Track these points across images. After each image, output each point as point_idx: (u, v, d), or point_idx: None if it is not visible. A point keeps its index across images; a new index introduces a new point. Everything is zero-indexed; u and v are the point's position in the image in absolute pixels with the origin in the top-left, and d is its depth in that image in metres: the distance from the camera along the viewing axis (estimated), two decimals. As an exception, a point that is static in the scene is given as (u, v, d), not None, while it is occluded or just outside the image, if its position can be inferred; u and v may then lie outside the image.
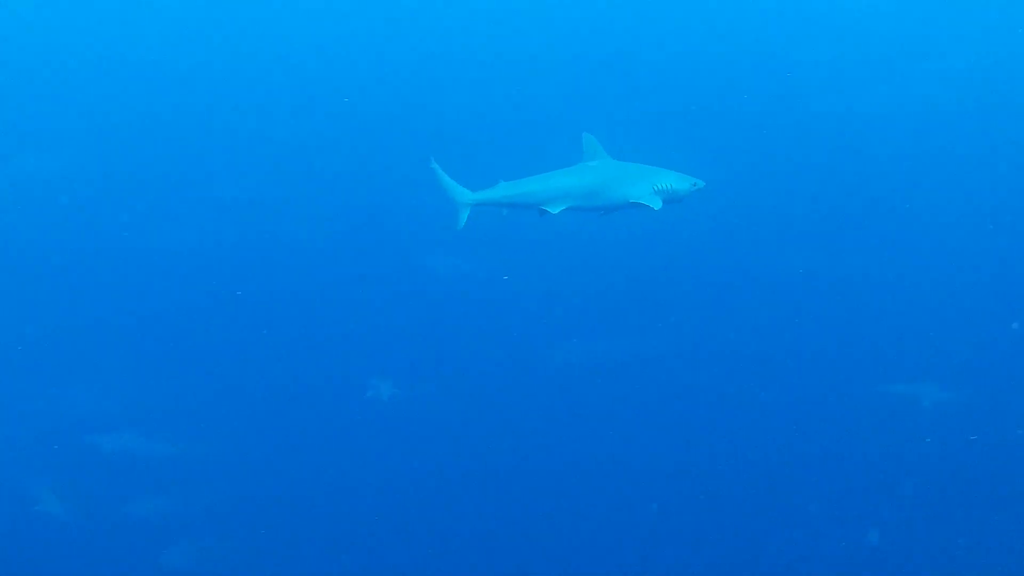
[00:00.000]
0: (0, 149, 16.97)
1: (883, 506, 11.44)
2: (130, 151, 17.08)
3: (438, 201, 10.50)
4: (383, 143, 15.87)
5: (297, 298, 14.81)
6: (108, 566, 11.82)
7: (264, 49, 19.08)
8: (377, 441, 12.99)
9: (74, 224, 15.97)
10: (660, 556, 11.61)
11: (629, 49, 17.56)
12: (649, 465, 12.42)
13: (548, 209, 9.83)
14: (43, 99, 18.28)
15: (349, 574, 12.01)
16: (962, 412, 11.69)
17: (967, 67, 16.66)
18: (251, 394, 13.67)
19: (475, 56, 18.17)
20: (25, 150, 16.89)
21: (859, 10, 17.98)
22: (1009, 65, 16.58)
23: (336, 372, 13.78)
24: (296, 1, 20.49)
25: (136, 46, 19.55)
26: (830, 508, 11.65)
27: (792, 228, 14.26)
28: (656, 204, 9.73)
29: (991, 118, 15.80)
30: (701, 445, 12.52)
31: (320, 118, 17.52)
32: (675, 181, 9.90)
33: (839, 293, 13.59)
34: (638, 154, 10.29)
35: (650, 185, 9.84)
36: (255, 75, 18.51)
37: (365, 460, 12.83)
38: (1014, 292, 13.29)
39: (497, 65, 17.89)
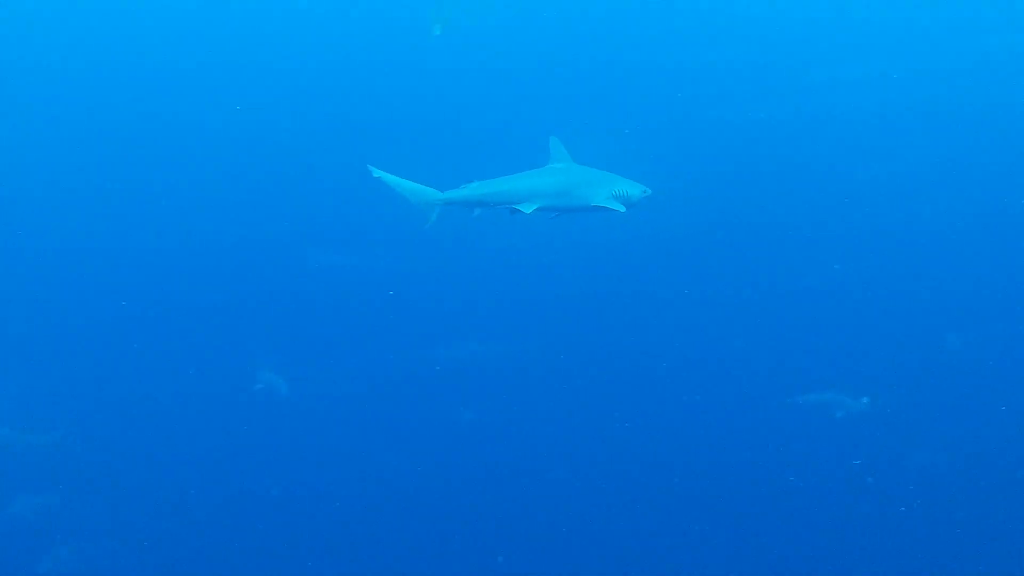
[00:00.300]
0: None
1: (796, 518, 11.70)
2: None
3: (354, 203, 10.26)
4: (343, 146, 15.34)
5: (182, 294, 14.43)
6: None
7: (184, 49, 18.26)
8: (266, 434, 12.78)
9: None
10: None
11: (594, 57, 17.74)
12: (543, 468, 12.44)
13: (521, 208, 9.82)
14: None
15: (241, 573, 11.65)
16: (874, 423, 12.22)
17: (917, 71, 17.41)
18: (131, 389, 13.25)
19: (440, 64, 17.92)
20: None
21: (813, 21, 18.56)
22: (941, 71, 17.45)
23: (224, 365, 13.48)
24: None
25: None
26: (740, 521, 11.79)
27: (706, 238, 14.56)
28: (621, 208, 9.95)
29: (920, 126, 16.52)
30: (604, 456, 12.54)
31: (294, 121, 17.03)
32: (629, 188, 10.26)
33: (751, 303, 13.94)
34: (592, 159, 10.50)
35: (610, 190, 10.13)
36: (159, 72, 17.77)
37: (254, 453, 12.58)
38: (927, 302, 13.89)
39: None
